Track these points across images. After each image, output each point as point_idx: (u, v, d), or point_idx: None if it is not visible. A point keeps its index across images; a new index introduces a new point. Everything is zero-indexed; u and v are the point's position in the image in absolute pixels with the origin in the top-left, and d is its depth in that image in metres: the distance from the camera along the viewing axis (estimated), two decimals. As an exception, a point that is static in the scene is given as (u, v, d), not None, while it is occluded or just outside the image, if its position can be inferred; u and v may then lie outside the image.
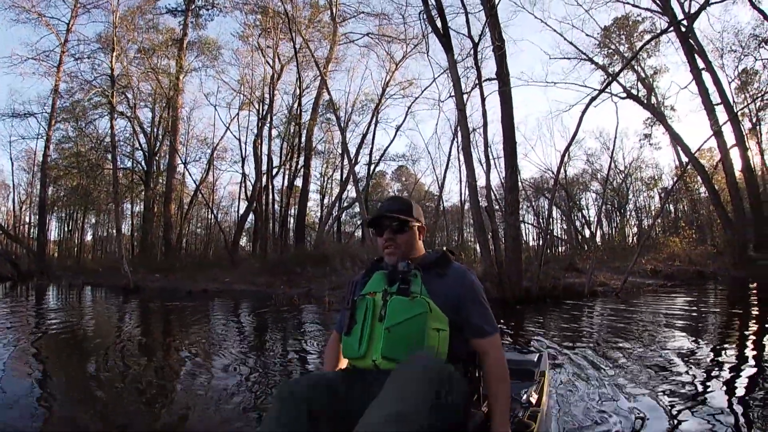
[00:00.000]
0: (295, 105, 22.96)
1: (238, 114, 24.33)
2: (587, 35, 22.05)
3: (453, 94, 12.07)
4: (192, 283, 17.75)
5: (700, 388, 3.41)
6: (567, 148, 12.35)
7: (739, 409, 2.88)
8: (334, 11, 21.50)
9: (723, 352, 4.73)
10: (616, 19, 22.97)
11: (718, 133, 16.80)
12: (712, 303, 9.73)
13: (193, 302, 12.80)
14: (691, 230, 19.35)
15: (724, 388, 3.41)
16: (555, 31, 18.35)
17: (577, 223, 26.18)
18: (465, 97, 12.83)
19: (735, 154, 18.12)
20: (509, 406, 1.67)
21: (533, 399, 2.12)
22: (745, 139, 19.52)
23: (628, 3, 20.01)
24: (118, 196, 20.24)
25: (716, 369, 4.04)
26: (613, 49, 22.61)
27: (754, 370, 3.97)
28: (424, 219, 1.93)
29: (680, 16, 18.41)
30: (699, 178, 19.72)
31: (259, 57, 23.11)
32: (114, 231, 36.47)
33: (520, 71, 42.79)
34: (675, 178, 20.60)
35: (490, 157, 12.80)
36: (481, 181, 12.23)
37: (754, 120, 23.91)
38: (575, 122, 28.08)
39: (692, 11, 18.31)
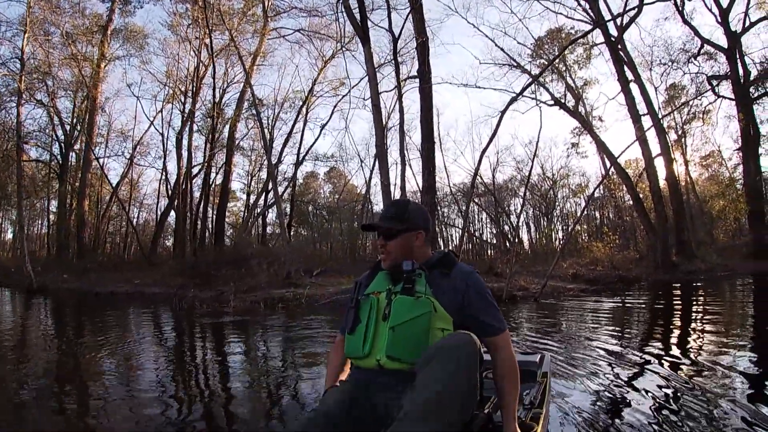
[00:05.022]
0: (218, 99, 22.08)
1: (162, 107, 23.14)
2: (519, 43, 22.30)
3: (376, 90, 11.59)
4: (103, 284, 16.83)
5: (702, 382, 3.42)
6: (485, 148, 12.19)
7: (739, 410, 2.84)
8: (266, 4, 20.70)
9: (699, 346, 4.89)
10: (550, 30, 23.26)
11: (642, 141, 17.17)
12: (643, 305, 9.71)
13: (94, 305, 12.31)
14: (614, 235, 19.67)
15: (725, 382, 3.45)
16: (487, 36, 18.40)
17: (506, 228, 26.27)
18: (392, 94, 12.41)
19: (660, 164, 18.63)
20: (517, 400, 1.70)
21: (536, 400, 2.12)
22: (671, 149, 20.13)
23: (561, 14, 20.26)
24: (21, 190, 18.57)
25: (709, 363, 4.04)
26: (546, 59, 22.77)
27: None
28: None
29: (612, 29, 18.87)
30: (624, 186, 20.05)
31: (186, 48, 22.06)
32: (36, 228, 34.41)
33: (451, 75, 43.42)
34: (601, 185, 20.92)
35: (407, 156, 12.41)
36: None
37: (679, 132, 24.84)
38: (504, 127, 28.58)
39: (624, 21, 18.87)
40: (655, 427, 2.63)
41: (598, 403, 3.10)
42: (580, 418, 2.83)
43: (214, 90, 20.91)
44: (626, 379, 3.69)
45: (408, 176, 23.00)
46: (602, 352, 4.68)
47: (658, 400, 3.11)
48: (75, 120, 24.35)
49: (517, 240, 23.16)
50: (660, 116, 18.99)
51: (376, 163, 20.15)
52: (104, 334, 7.25)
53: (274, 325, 8.12)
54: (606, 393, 3.34)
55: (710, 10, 20.00)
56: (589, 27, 20.02)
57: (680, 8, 20.03)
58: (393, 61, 11.59)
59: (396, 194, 11.85)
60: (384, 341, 1.61)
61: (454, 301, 1.67)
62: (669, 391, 3.29)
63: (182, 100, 21.96)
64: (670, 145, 20.10)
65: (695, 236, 20.96)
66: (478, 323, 1.69)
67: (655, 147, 18.31)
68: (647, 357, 4.40)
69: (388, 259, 1.80)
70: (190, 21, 21.64)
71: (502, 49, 19.67)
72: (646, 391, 3.30)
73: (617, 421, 2.76)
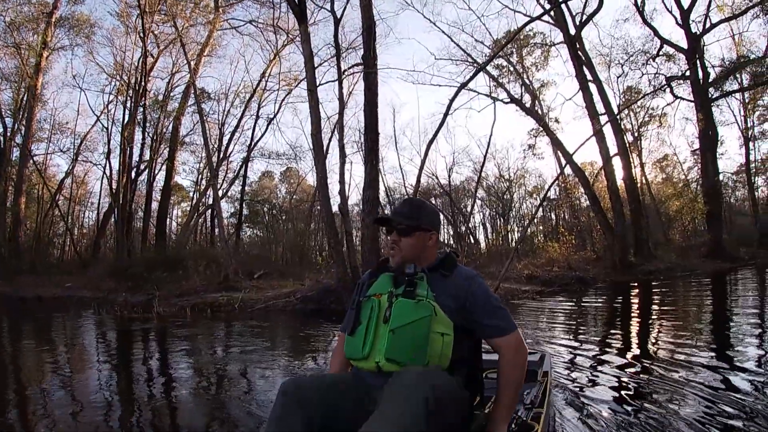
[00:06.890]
0: (159, 91, 21.20)
1: (109, 102, 21.99)
2: (477, 40, 22.03)
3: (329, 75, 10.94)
4: (33, 288, 15.98)
5: (700, 382, 3.40)
6: (432, 139, 12.01)
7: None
8: (219, -5, 19.86)
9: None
10: (509, 32, 22.80)
11: (600, 139, 16.95)
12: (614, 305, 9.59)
13: (15, 310, 11.94)
14: (570, 236, 19.41)
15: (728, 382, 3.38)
16: (444, 33, 18.12)
17: (463, 229, 25.94)
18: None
19: (617, 164, 18.50)
20: (516, 401, 1.70)
21: (536, 399, 2.11)
22: (628, 149, 20.02)
23: (519, 12, 20.03)
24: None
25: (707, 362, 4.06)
26: (505, 59, 22.46)
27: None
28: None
29: (572, 28, 18.59)
30: (581, 186, 19.88)
31: (135, 39, 21.04)
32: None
33: (406, 73, 43.21)
34: (557, 184, 20.78)
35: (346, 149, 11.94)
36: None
37: (635, 135, 24.91)
38: (460, 128, 28.62)
39: (582, 18, 18.65)
40: (654, 423, 2.62)
41: (595, 402, 3.09)
42: (581, 416, 2.82)
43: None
44: (621, 377, 3.73)
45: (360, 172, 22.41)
46: (582, 352, 4.72)
47: (653, 395, 3.15)
48: (15, 112, 22.99)
49: (473, 241, 22.82)
50: (616, 112, 18.87)
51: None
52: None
53: (190, 335, 7.48)
54: (603, 391, 3.34)
55: (670, 12, 19.99)
56: (547, 25, 19.89)
57: (640, 8, 19.98)
58: (334, 44, 10.90)
59: (334, 189, 11.20)
60: (384, 343, 1.59)
61: (454, 304, 1.65)
62: (667, 387, 3.32)
63: (130, 94, 20.91)
64: (627, 144, 20.02)
65: (652, 237, 20.92)
66: (481, 326, 1.68)
67: (612, 147, 18.16)
68: (633, 356, 4.50)
69: (398, 256, 1.76)
70: (139, 11, 20.62)
71: (458, 45, 19.31)
72: (640, 388, 3.36)
73: (617, 419, 2.75)
